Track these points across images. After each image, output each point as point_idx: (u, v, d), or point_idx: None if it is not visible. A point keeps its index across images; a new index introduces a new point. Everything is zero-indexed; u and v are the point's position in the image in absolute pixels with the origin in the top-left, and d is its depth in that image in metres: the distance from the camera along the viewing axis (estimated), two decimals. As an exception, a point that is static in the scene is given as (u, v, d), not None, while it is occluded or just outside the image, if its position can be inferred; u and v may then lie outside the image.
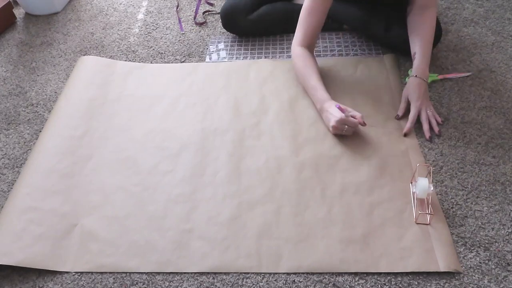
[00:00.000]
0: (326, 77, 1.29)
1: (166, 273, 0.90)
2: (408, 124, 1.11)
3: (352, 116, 1.09)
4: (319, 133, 1.14)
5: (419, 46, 1.17)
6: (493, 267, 0.87)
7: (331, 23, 1.45)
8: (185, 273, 0.89)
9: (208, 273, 0.89)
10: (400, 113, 1.15)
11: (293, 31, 1.28)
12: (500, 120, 1.15)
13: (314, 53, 1.30)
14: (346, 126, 1.07)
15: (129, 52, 1.46)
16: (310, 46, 1.23)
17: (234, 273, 0.89)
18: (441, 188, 1.01)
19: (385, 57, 1.35)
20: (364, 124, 1.08)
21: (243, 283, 0.87)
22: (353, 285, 0.86)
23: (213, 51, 1.43)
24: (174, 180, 1.05)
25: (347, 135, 1.11)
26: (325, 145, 1.11)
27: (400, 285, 0.86)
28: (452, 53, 1.36)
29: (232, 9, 1.39)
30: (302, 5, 1.41)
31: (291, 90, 1.26)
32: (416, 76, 1.13)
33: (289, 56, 1.39)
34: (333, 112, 1.08)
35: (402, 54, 1.33)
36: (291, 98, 1.24)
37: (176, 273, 0.89)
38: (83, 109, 1.22)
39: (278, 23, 1.44)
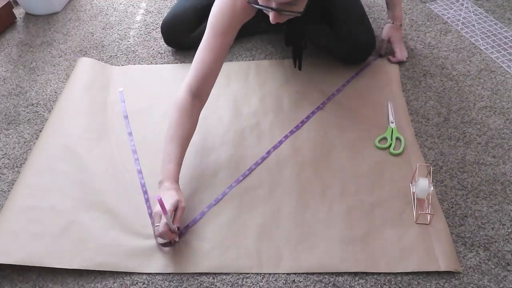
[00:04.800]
0: (326, 78, 1.29)
1: (166, 273, 0.90)
2: (396, 60, 1.32)
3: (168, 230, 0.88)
4: (319, 133, 1.14)
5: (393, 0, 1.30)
6: (493, 266, 0.87)
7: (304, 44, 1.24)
8: (185, 273, 0.89)
9: (208, 273, 0.89)
10: (383, 52, 1.35)
11: (239, 38, 1.26)
12: (500, 120, 1.15)
13: (308, 54, 1.28)
14: (156, 225, 0.88)
15: (129, 52, 1.46)
16: (201, 95, 1.01)
17: (234, 273, 0.89)
18: (441, 188, 1.01)
19: (385, 59, 1.35)
20: (175, 232, 0.90)
21: (243, 283, 0.87)
22: (353, 285, 0.86)
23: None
24: (174, 180, 1.05)
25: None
26: (325, 145, 1.11)
27: (400, 285, 0.86)
28: (452, 53, 1.36)
29: (173, 28, 1.36)
30: None
31: (291, 90, 1.26)
32: (393, 23, 1.31)
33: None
34: (166, 198, 0.89)
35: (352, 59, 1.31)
36: (291, 98, 1.24)
37: (176, 273, 0.90)
38: (83, 109, 1.22)
39: None
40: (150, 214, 0.98)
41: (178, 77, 1.34)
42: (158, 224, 0.87)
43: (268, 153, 1.10)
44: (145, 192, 1.03)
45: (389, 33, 1.32)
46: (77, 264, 0.90)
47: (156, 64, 1.40)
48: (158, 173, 1.01)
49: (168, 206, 0.87)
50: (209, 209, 0.99)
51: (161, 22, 1.57)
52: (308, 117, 1.17)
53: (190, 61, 1.39)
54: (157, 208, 0.88)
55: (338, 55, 1.30)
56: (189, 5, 1.37)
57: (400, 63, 1.33)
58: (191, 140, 1.14)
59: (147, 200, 1.01)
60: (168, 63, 1.40)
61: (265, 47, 1.43)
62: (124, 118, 1.21)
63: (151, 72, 1.36)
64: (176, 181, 0.94)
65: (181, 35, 1.37)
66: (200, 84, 1.01)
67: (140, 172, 1.07)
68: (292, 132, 1.14)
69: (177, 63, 1.40)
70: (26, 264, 0.89)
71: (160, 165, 0.96)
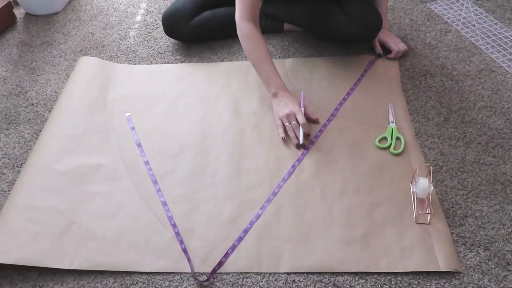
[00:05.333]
0: (325, 76, 1.30)
1: (166, 273, 0.90)
2: (395, 54, 1.34)
3: (307, 118, 1.13)
4: (319, 133, 1.14)
5: (381, 8, 1.36)
6: (493, 266, 0.87)
7: (271, 24, 1.47)
8: (185, 273, 0.89)
9: (208, 273, 0.89)
10: (378, 51, 1.36)
11: (235, 36, 1.31)
12: (500, 120, 1.15)
13: (308, 54, 1.30)
14: (293, 123, 1.10)
15: (129, 52, 1.46)
16: (255, 20, 1.18)
17: (234, 273, 0.89)
18: (441, 187, 1.01)
19: (385, 56, 1.35)
20: (316, 120, 1.15)
21: (243, 283, 0.87)
22: (353, 285, 0.86)
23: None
24: (174, 180, 1.05)
25: (290, 139, 1.11)
26: (325, 145, 1.11)
27: (400, 285, 0.86)
28: (452, 53, 1.36)
29: (172, 15, 1.39)
30: None
31: (291, 90, 1.26)
32: (384, 29, 1.38)
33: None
34: (289, 103, 1.12)
35: (347, 43, 1.38)
36: (291, 98, 1.24)
37: (176, 273, 0.90)
38: (83, 109, 1.22)
39: (220, 29, 1.44)
40: (185, 250, 0.92)
41: (178, 77, 1.34)
42: (290, 123, 1.10)
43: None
44: (174, 225, 0.96)
45: (382, 38, 1.36)
46: (77, 264, 0.90)
47: (156, 64, 1.40)
48: (159, 171, 1.01)
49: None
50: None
51: (161, 23, 1.58)
52: (324, 125, 1.16)
53: (190, 61, 1.40)
54: (289, 109, 1.10)
55: (348, 34, 1.29)
56: None
57: (400, 63, 1.33)
58: (191, 140, 1.14)
59: (178, 234, 0.94)
60: (168, 63, 1.40)
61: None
62: (138, 146, 1.13)
63: (151, 72, 1.36)
64: (287, 89, 1.16)
65: (179, 23, 1.40)
66: (253, 10, 1.17)
67: (165, 204, 1.01)
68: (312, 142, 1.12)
69: (177, 63, 1.40)
70: (27, 264, 0.89)
71: (264, 84, 1.17)
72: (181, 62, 1.40)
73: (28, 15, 1.68)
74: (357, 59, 1.35)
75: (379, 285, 0.86)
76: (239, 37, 1.18)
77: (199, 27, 1.41)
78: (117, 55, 1.45)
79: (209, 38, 1.47)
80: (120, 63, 1.41)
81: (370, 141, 1.11)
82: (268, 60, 1.15)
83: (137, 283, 0.88)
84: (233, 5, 1.46)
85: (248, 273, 0.89)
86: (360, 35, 1.29)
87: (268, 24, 1.47)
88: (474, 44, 1.39)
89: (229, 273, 0.89)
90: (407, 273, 0.87)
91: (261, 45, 1.16)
